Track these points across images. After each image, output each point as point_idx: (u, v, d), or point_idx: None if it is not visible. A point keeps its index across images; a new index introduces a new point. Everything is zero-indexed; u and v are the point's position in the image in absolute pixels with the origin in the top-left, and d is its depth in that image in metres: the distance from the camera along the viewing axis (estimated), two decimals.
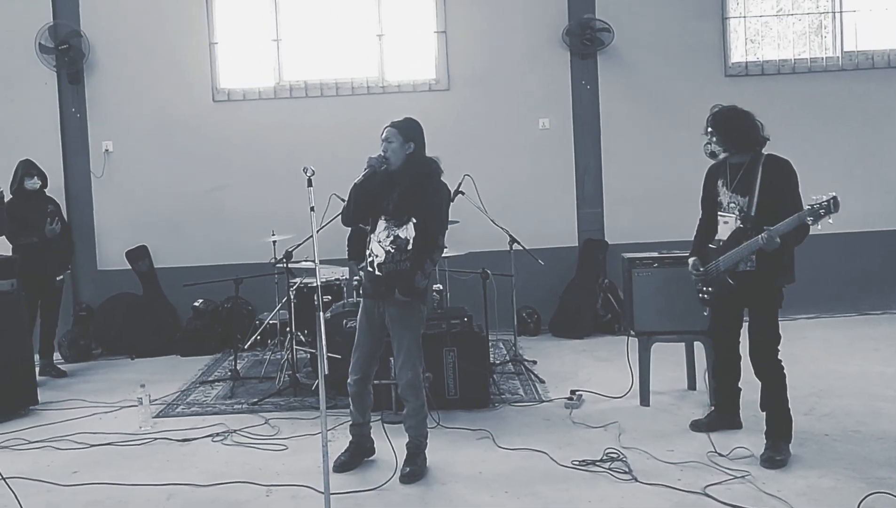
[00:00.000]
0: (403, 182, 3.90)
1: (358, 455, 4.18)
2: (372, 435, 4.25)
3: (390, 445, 4.08)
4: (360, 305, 4.15)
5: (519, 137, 7.45)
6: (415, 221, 3.89)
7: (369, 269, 4.00)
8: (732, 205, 4.06)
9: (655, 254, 4.86)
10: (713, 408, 4.52)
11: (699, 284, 4.23)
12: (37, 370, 5.86)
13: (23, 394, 5.33)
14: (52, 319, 6.40)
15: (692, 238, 4.35)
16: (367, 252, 4.01)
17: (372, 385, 4.18)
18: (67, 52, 7.28)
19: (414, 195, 3.88)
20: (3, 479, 3.40)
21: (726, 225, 4.07)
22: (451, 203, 5.87)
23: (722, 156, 4.12)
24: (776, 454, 3.90)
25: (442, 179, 4.03)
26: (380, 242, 3.95)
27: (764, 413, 4.06)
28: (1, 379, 5.09)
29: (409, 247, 3.89)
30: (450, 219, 5.85)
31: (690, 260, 4.29)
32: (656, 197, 7.22)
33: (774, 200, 3.91)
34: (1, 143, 6.94)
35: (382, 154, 3.91)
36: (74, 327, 7.19)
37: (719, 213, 4.12)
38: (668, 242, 5.78)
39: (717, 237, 4.13)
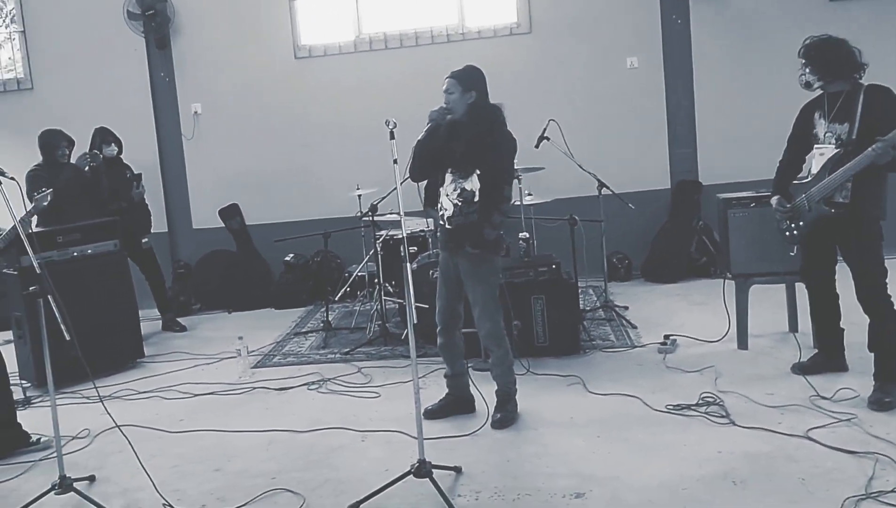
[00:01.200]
0: (466, 133, 3.80)
1: (451, 405, 4.16)
2: (472, 387, 4.21)
3: (479, 393, 4.09)
4: (439, 257, 4.13)
5: (606, 78, 7.21)
6: (479, 172, 3.79)
7: (441, 222, 3.96)
8: (829, 134, 3.86)
9: (752, 193, 4.64)
10: (817, 351, 4.33)
11: (785, 221, 4.04)
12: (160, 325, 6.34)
13: (130, 348, 5.62)
14: (157, 279, 6.66)
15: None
16: (438, 206, 3.96)
17: (460, 335, 4.15)
18: (154, 18, 7.46)
19: (478, 146, 3.78)
20: (118, 426, 3.58)
21: (822, 157, 3.87)
22: (536, 149, 5.82)
23: (817, 86, 3.91)
24: (885, 395, 3.73)
25: (506, 127, 3.91)
26: (447, 195, 3.89)
27: (872, 354, 3.87)
28: (110, 334, 5.36)
29: (476, 199, 3.79)
30: (534, 166, 5.76)
31: (774, 198, 4.12)
32: (752, 135, 6.84)
33: (876, 125, 3.66)
34: (96, 110, 7.17)
35: (444, 106, 3.82)
36: (174, 283, 7.49)
37: (816, 146, 3.94)
38: (766, 180, 5.43)
39: (811, 171, 3.96)
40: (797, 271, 4.30)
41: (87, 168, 5.99)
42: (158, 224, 7.28)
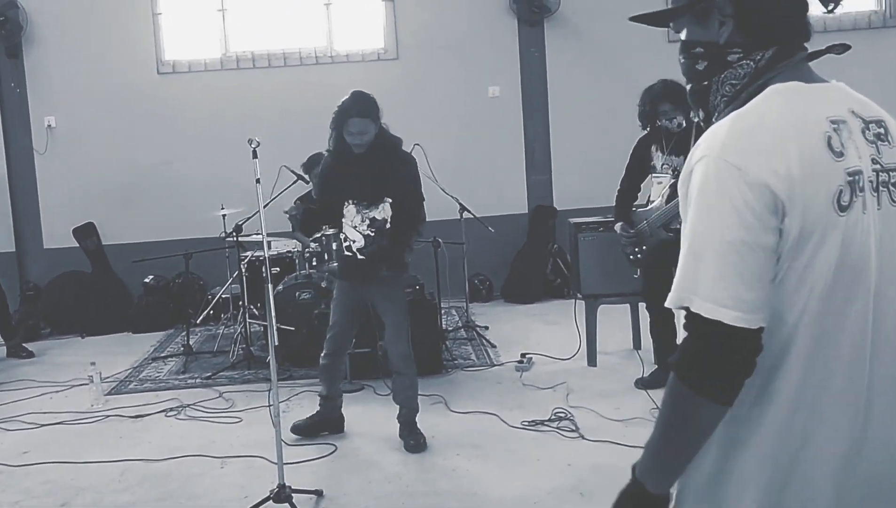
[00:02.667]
0: (370, 165, 3.76)
1: (320, 425, 4.16)
2: (343, 411, 4.24)
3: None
4: (337, 286, 4.07)
5: (469, 105, 7.45)
6: (389, 200, 3.79)
7: (347, 254, 3.81)
8: (666, 166, 4.30)
9: (601, 218, 4.94)
10: (656, 366, 4.66)
11: (629, 247, 4.40)
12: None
13: None
14: (0, 302, 6.27)
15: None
16: (342, 237, 3.83)
17: (345, 359, 4.24)
18: (4, 25, 7.05)
19: (384, 176, 3.76)
20: None
21: (660, 185, 4.30)
22: None
23: (663, 123, 4.29)
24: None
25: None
26: (355, 227, 3.85)
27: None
28: None
29: (388, 226, 3.81)
30: None
31: (618, 225, 4.48)
32: (604, 162, 7.13)
33: None
34: None
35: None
36: (22, 306, 7.06)
37: (653, 175, 4.35)
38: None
39: (650, 198, 4.38)
40: (640, 292, 4.63)
41: None
42: (4, 243, 6.87)
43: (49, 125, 7.32)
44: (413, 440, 3.94)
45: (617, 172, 4.66)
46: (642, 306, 4.90)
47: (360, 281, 3.91)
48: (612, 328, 5.23)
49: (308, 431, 4.13)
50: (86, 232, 7.25)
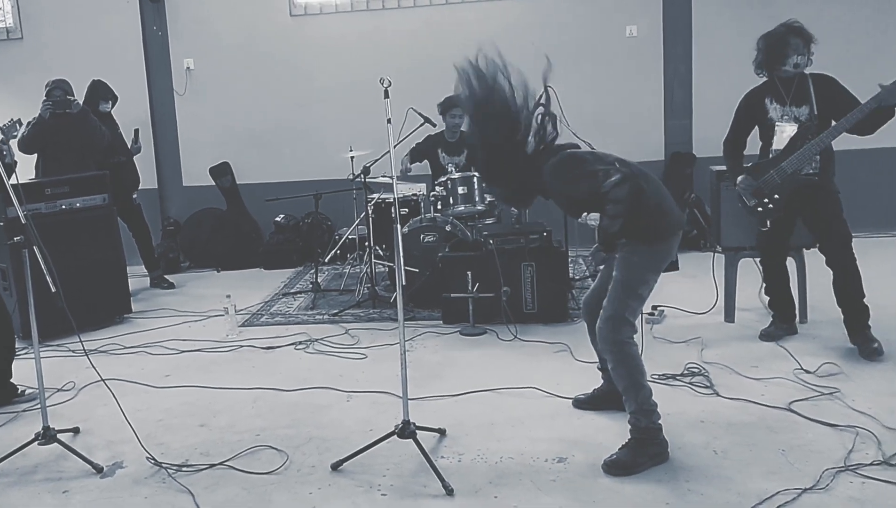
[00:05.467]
0: None
1: (602, 398, 3.62)
2: (463, 353, 4.10)
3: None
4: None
5: (604, 45, 7.13)
6: None
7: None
8: (787, 117, 4.14)
9: (745, 166, 4.61)
10: (773, 317, 4.51)
11: (754, 199, 4.21)
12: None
13: (117, 303, 5.59)
14: (145, 235, 6.62)
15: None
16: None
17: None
18: None
19: None
20: (103, 380, 3.57)
21: (783, 134, 4.13)
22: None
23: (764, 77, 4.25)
24: (871, 341, 4.04)
25: None
26: None
27: (844, 318, 4.16)
28: (98, 289, 5.33)
29: None
30: None
31: (740, 178, 4.25)
32: None
33: (830, 106, 4.05)
34: (87, 62, 7.06)
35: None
36: (163, 240, 7.45)
37: (777, 124, 4.17)
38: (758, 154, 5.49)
39: (772, 149, 4.18)
40: (757, 244, 4.49)
41: (47, 115, 5.82)
42: (148, 181, 7.23)
43: (188, 67, 7.58)
44: (613, 455, 3.15)
45: None
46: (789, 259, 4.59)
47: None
48: (752, 283, 4.92)
49: (590, 405, 3.66)
50: (221, 171, 7.53)
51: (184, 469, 3.24)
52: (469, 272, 4.89)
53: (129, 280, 5.83)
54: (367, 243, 5.75)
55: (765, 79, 4.27)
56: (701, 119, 7.18)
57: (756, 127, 4.33)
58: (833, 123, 4.00)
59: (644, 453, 3.10)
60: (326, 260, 6.55)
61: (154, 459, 3.30)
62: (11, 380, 4.11)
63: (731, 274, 4.72)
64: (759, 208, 4.21)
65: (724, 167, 4.67)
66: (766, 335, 4.43)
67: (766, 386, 3.77)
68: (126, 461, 3.35)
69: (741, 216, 4.53)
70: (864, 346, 4.04)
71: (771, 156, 4.19)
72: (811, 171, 4.09)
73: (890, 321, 4.39)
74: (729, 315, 4.76)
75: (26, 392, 4.10)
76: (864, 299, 4.10)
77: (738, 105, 4.38)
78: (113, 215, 5.68)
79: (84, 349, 3.78)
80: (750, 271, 4.83)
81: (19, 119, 4.05)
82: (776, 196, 4.14)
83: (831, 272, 4.11)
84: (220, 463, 3.27)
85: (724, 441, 3.24)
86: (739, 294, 4.79)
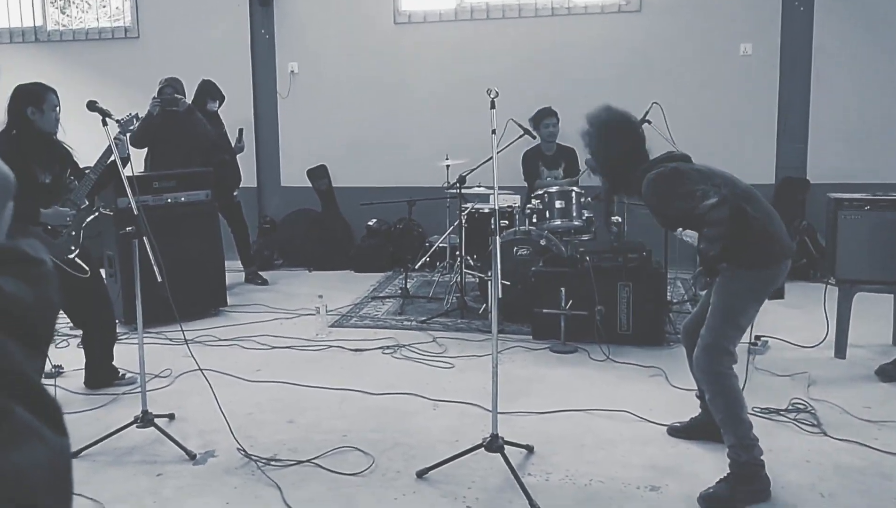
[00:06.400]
0: None
1: (699, 428, 3.45)
2: (556, 370, 3.95)
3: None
4: None
5: (716, 63, 6.88)
6: None
7: None
8: None
9: (867, 196, 4.36)
10: None
11: None
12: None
13: (214, 296, 5.74)
14: (243, 232, 6.79)
15: None
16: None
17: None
18: None
19: None
20: (200, 369, 3.64)
21: None
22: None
23: None
24: None
25: None
26: None
27: None
28: (197, 281, 5.48)
29: None
30: None
31: None
32: (870, 134, 6.42)
33: None
34: (197, 62, 7.31)
35: None
36: (259, 238, 7.62)
37: None
38: (878, 183, 5.20)
39: None
40: None
41: (155, 112, 6.05)
42: (248, 179, 7.40)
43: (292, 71, 7.74)
44: (711, 489, 2.99)
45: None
46: None
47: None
48: (868, 319, 4.63)
49: (685, 434, 3.50)
50: (319, 173, 7.65)
51: (272, 463, 3.27)
52: (562, 289, 4.79)
53: (226, 275, 5.97)
54: (458, 253, 5.72)
55: None
56: (817, 144, 6.83)
57: None
58: None
59: (744, 489, 2.94)
60: (416, 267, 6.55)
61: (244, 451, 3.34)
62: (113, 363, 4.25)
63: (844, 307, 4.45)
64: None
65: (844, 195, 4.42)
66: (884, 374, 4.13)
67: (880, 429, 3.52)
68: (218, 450, 3.40)
69: (861, 248, 4.28)
70: None
71: None
72: None
73: None
74: (840, 351, 4.49)
75: (127, 376, 4.23)
76: None
77: None
78: (214, 211, 5.84)
79: (184, 338, 3.86)
80: (865, 306, 4.55)
81: (136, 114, 4.19)
82: None
83: None
84: (308, 461, 3.28)
85: (831, 484, 3.04)
86: (852, 330, 4.51)
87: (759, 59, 6.82)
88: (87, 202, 4.00)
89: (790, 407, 3.73)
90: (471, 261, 5.82)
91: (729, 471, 2.99)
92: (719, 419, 3.01)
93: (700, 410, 3.47)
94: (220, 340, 5.04)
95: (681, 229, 3.20)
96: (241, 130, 6.76)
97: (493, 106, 3.24)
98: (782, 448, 3.34)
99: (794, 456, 3.28)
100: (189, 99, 6.29)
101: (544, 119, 6.38)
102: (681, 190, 2.99)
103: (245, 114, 7.64)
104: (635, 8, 7.02)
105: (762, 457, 2.98)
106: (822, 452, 3.32)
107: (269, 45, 7.80)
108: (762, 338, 4.66)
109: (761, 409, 3.71)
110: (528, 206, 5.76)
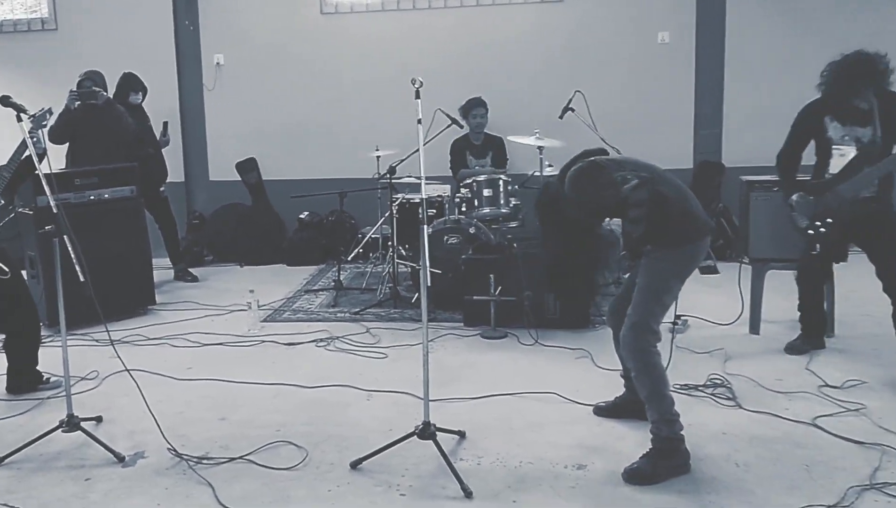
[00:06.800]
0: None
1: (624, 406, 3.58)
2: (485, 356, 4.06)
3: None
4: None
5: (635, 52, 7.08)
6: None
7: None
8: (847, 138, 3.96)
9: (776, 177, 4.56)
10: (801, 331, 4.43)
11: (806, 220, 4.02)
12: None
13: (142, 294, 5.64)
14: (171, 228, 6.68)
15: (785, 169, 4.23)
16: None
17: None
18: None
19: None
20: (127, 370, 3.60)
21: (842, 158, 3.95)
22: (561, 120, 5.77)
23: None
24: None
25: None
26: None
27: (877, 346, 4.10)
28: (123, 280, 5.37)
29: None
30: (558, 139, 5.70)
31: (794, 197, 4.06)
32: (783, 119, 6.55)
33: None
34: (119, 54, 7.14)
35: None
36: (188, 234, 7.51)
37: (833, 147, 4.01)
38: None
39: (828, 171, 4.03)
40: (802, 261, 4.33)
41: (73, 106, 5.87)
42: (175, 174, 7.27)
43: (218, 62, 7.63)
44: (635, 464, 3.12)
45: None
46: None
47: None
48: (779, 296, 4.86)
49: (612, 413, 3.61)
50: (248, 166, 7.57)
51: (204, 461, 3.26)
52: (492, 275, 4.88)
53: (154, 272, 5.87)
54: (390, 243, 5.76)
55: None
56: (731, 129, 7.10)
57: (812, 141, 4.14)
58: None
59: (665, 463, 3.07)
60: (349, 258, 6.56)
61: (175, 450, 3.32)
62: (37, 367, 4.16)
63: (757, 286, 4.66)
64: (811, 232, 3.99)
65: (755, 177, 4.62)
66: (792, 349, 4.36)
67: (790, 400, 3.72)
68: (147, 451, 3.38)
69: (771, 228, 4.48)
70: None
71: (827, 177, 4.01)
72: (868, 194, 3.90)
73: None
74: (754, 327, 4.71)
75: (51, 380, 4.14)
76: None
77: (796, 118, 4.18)
78: (140, 208, 5.73)
79: (110, 339, 3.82)
80: (776, 283, 4.77)
81: (50, 108, 4.07)
82: (829, 220, 3.93)
83: (889, 300, 3.95)
84: (240, 457, 3.28)
85: (746, 455, 3.20)
86: (765, 306, 4.74)
87: (675, 48, 7.04)
88: (3, 201, 3.89)
89: (708, 383, 3.91)
90: (403, 251, 5.87)
91: (651, 447, 3.12)
92: (644, 395, 3.14)
93: (625, 389, 3.61)
94: (149, 339, 4.97)
95: (608, 219, 3.31)
96: (165, 124, 6.65)
97: (417, 96, 3.25)
98: (701, 422, 3.50)
99: (712, 429, 3.44)
100: (111, 92, 6.15)
101: (472, 109, 6.47)
102: (602, 180, 3.09)
103: (170, 107, 7.50)
104: None
105: (682, 432, 3.13)
106: (737, 424, 3.49)
107: (194, 36, 7.66)
108: (682, 317, 4.84)
109: (681, 385, 3.87)
110: (458, 195, 5.83)
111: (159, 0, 7.55)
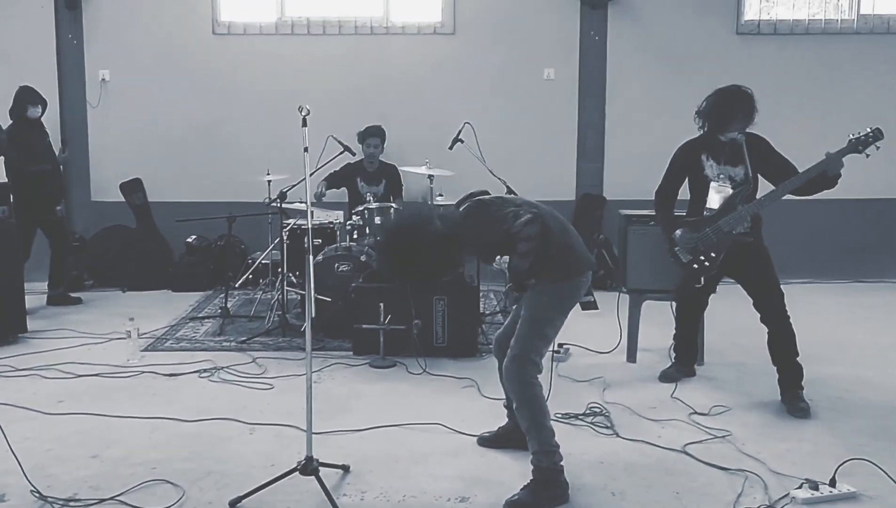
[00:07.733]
0: None
1: (507, 436, 3.65)
2: (373, 386, 4.06)
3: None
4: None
5: (522, 86, 7.32)
6: None
7: None
8: (722, 176, 4.20)
9: (652, 212, 4.79)
10: (674, 360, 4.65)
11: (689, 255, 4.23)
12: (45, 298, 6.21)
13: (12, 321, 5.33)
14: (63, 250, 6.40)
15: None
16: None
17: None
18: None
19: None
20: None
21: (720, 194, 4.18)
22: (450, 150, 5.88)
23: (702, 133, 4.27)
24: (800, 401, 4.08)
25: None
26: None
27: (779, 377, 4.21)
28: None
29: None
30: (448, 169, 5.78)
31: (678, 233, 4.28)
32: (660, 155, 6.87)
33: (763, 168, 4.13)
34: None
35: None
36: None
37: (712, 183, 4.23)
38: None
39: (707, 207, 4.24)
40: (680, 291, 4.55)
41: None
42: None
43: (103, 79, 7.37)
44: (516, 496, 3.18)
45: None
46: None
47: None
48: (655, 325, 5.09)
49: (495, 443, 3.68)
50: (133, 187, 7.32)
51: (71, 503, 3.10)
52: (381, 304, 4.89)
53: (27, 297, 5.57)
54: (279, 270, 5.68)
55: (701, 132, 4.26)
56: (611, 164, 7.43)
57: (687, 179, 4.35)
58: (772, 182, 4.06)
59: (545, 494, 3.15)
60: (238, 285, 6.42)
61: (39, 493, 3.14)
62: None
63: (634, 315, 4.87)
64: (695, 265, 4.19)
65: (632, 211, 4.84)
66: (665, 377, 4.57)
67: (663, 428, 3.89)
68: (8, 494, 3.18)
69: (648, 260, 4.70)
70: (792, 404, 4.06)
71: (705, 214, 4.21)
72: (742, 229, 4.12)
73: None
74: (631, 356, 4.91)
75: None
76: (798, 359, 4.13)
77: (674, 156, 4.38)
78: (12, 229, 5.43)
79: None
80: (653, 313, 5.00)
81: None
82: (712, 254, 4.13)
83: (766, 330, 4.16)
84: (111, 498, 3.14)
85: (621, 483, 3.32)
86: (642, 335, 4.95)
87: (561, 84, 7.32)
88: None
89: (587, 411, 4.04)
90: (293, 278, 5.80)
91: (532, 477, 3.20)
92: (524, 426, 3.22)
93: (508, 419, 3.68)
94: (18, 370, 4.70)
95: (498, 257, 3.38)
96: (64, 141, 6.37)
97: (304, 124, 3.25)
98: (580, 451, 3.61)
99: (590, 458, 3.56)
100: (7, 107, 5.87)
101: (368, 138, 6.51)
102: (491, 217, 3.18)
103: (49, 124, 7.13)
104: (449, 31, 7.30)
105: (562, 463, 3.22)
106: (614, 453, 3.62)
107: (78, 51, 7.36)
108: (564, 346, 5.01)
109: (562, 415, 3.99)
110: (349, 222, 5.83)
111: (41, 12, 7.23)
